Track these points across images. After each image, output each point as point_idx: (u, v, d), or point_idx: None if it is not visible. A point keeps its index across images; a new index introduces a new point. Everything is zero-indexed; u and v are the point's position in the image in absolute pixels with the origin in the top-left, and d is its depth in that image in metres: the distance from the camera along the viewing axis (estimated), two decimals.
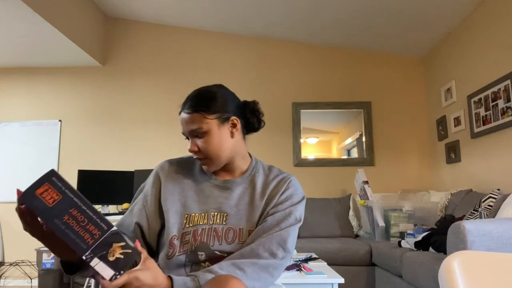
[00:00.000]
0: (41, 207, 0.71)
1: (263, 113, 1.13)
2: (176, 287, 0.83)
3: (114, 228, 0.75)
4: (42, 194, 0.72)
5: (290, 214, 1.02)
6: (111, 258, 0.73)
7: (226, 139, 1.04)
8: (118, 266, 0.73)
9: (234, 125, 1.05)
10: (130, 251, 0.75)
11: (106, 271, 0.72)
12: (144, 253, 0.82)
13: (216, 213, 1.03)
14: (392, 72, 4.27)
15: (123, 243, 0.74)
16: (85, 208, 0.73)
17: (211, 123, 1.01)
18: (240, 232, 1.01)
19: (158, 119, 4.22)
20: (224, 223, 1.02)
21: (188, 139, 1.05)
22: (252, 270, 0.91)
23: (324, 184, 4.09)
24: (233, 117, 1.05)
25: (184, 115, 1.02)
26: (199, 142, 1.02)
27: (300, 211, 1.05)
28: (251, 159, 1.14)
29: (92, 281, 2.88)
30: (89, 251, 0.72)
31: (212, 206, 1.04)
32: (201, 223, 1.01)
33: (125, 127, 4.22)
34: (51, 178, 0.73)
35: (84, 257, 0.71)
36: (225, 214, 1.03)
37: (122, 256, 0.73)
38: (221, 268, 0.90)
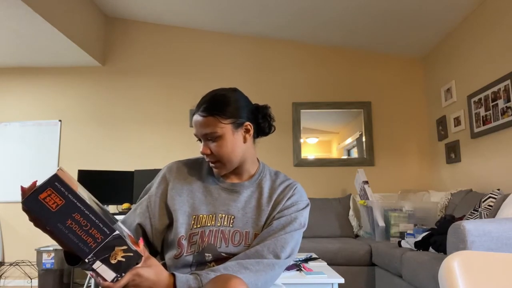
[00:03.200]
0: (44, 212, 0.73)
1: (274, 118, 1.14)
2: (179, 284, 0.84)
3: (116, 232, 0.76)
4: (45, 199, 0.73)
5: (295, 219, 1.04)
6: (113, 261, 0.75)
7: (239, 144, 1.04)
8: (120, 269, 0.76)
9: (247, 131, 1.06)
10: (131, 254, 0.77)
11: (108, 274, 0.75)
12: (146, 253, 0.83)
13: (224, 215, 1.04)
14: (392, 72, 4.27)
15: (125, 247, 0.76)
16: (88, 213, 0.75)
17: (226, 127, 1.01)
18: (246, 235, 1.03)
19: (158, 119, 4.22)
20: (231, 225, 1.03)
21: (201, 141, 1.05)
22: (257, 268, 0.94)
23: (324, 184, 4.09)
24: (247, 123, 1.06)
25: (198, 117, 1.02)
26: (212, 145, 1.02)
27: (304, 217, 1.08)
28: (258, 163, 1.15)
29: (92, 281, 2.88)
30: (91, 254, 0.74)
31: (220, 208, 1.05)
32: (208, 224, 1.02)
33: (125, 127, 4.22)
34: (54, 183, 0.74)
35: (86, 260, 0.73)
36: (232, 217, 1.04)
37: (123, 259, 0.75)
38: (226, 267, 0.91)
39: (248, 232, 1.03)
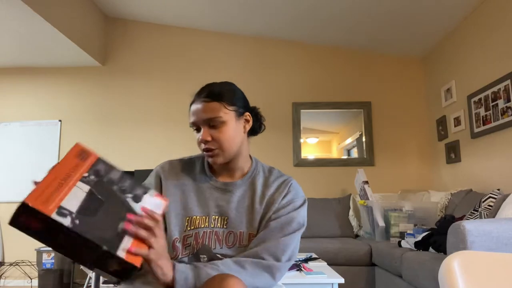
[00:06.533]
0: (30, 232, 0.73)
1: (265, 118, 1.15)
2: (178, 285, 0.84)
3: (104, 248, 0.74)
4: (25, 222, 0.72)
5: (293, 219, 1.02)
6: (111, 269, 0.77)
7: (239, 132, 1.04)
8: (122, 275, 0.78)
9: (247, 121, 1.07)
10: (126, 265, 0.77)
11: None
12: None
13: (217, 217, 1.02)
14: (392, 72, 4.27)
15: (117, 260, 0.77)
16: (73, 231, 0.72)
17: (230, 114, 1.01)
18: (240, 235, 1.01)
19: (158, 119, 4.22)
20: (224, 226, 1.01)
21: (197, 130, 1.02)
22: (255, 269, 0.92)
23: (324, 184, 4.09)
24: (247, 113, 1.07)
25: (201, 103, 1.00)
26: (213, 132, 1.00)
27: (302, 215, 1.05)
28: (251, 161, 1.13)
29: (92, 281, 2.87)
30: (88, 265, 0.77)
31: (213, 209, 1.03)
32: (202, 226, 1.01)
33: (125, 127, 4.22)
34: (22, 213, 0.71)
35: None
36: (226, 218, 1.02)
37: (120, 269, 0.78)
38: (224, 264, 0.90)
39: (242, 232, 1.01)
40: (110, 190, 0.82)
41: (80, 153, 0.83)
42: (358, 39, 4.08)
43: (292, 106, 4.22)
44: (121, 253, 0.76)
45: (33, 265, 3.89)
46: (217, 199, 1.04)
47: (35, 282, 3.85)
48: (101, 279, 2.80)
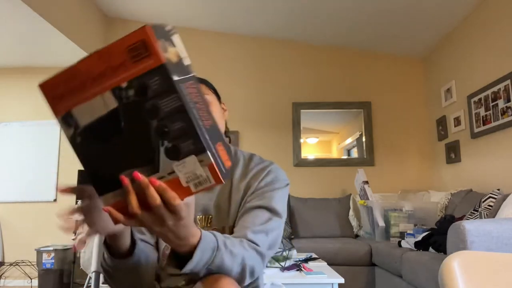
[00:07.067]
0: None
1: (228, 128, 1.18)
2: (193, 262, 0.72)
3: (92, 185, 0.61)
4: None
5: (271, 200, 0.93)
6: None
7: (222, 118, 1.07)
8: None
9: (224, 110, 1.12)
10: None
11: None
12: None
13: (201, 216, 1.00)
14: (392, 72, 4.27)
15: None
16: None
17: (213, 96, 1.05)
18: (223, 231, 0.98)
19: None
20: (208, 225, 1.00)
21: None
22: (252, 252, 0.83)
23: (324, 184, 4.09)
24: (223, 103, 1.11)
25: None
26: None
27: (281, 197, 0.96)
28: None
29: (92, 281, 2.87)
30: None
31: (197, 209, 1.00)
32: None
33: None
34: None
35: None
36: (210, 216, 1.00)
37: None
38: (236, 249, 0.80)
39: (224, 227, 0.98)
40: (143, 123, 0.55)
41: (138, 47, 0.56)
42: (358, 39, 4.08)
43: (292, 106, 4.22)
44: (105, 200, 0.59)
45: (33, 265, 3.88)
46: (200, 199, 1.01)
47: (35, 282, 3.84)
48: (101, 279, 2.80)
